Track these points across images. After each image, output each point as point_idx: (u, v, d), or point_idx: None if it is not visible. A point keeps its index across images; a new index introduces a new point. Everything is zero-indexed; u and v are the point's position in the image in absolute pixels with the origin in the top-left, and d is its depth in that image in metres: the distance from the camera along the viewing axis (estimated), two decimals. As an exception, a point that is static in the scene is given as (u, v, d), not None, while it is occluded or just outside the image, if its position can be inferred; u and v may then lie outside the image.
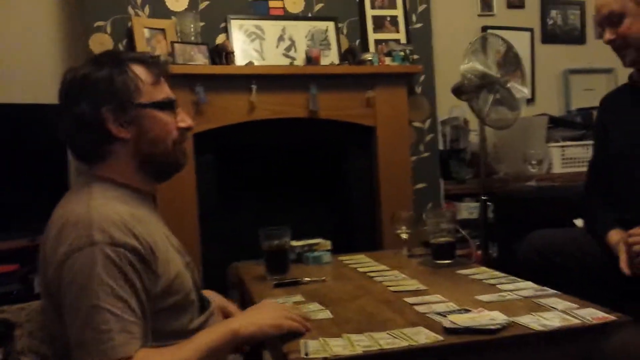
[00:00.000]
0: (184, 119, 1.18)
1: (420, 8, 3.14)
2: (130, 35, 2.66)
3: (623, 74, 1.86)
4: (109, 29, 2.66)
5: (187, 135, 1.21)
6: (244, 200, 2.84)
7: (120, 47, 2.66)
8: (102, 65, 1.12)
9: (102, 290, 0.96)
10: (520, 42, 3.37)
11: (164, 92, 1.16)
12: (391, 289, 1.47)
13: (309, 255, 1.82)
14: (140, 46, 2.59)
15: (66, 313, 0.99)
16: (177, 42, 2.66)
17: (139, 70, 1.13)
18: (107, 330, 0.95)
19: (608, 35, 1.69)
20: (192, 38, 2.70)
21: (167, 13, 2.75)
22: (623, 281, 1.60)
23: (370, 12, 3.04)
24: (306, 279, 1.60)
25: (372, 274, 1.64)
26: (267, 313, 1.12)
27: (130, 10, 2.70)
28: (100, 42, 2.63)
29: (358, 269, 1.73)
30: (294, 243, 1.82)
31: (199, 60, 2.62)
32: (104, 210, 1.02)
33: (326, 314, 1.27)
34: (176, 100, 1.18)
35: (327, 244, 1.87)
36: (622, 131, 1.74)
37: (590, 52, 3.66)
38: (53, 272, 1.00)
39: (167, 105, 1.15)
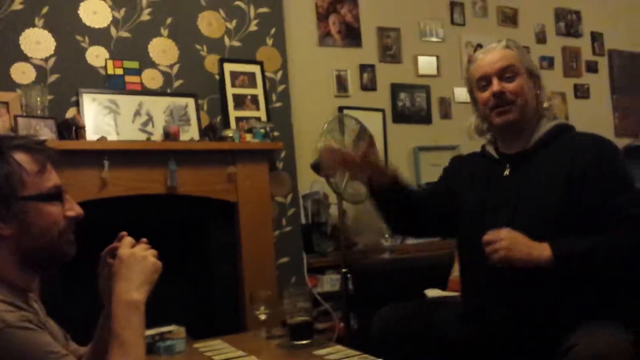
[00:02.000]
0: (72, 207, 1.12)
1: (280, 88, 3.26)
2: (-34, 108, 2.45)
3: (466, 150, 1.93)
4: (-60, 101, 2.43)
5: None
6: (92, 283, 2.62)
7: (-47, 119, 2.44)
8: None
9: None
10: (374, 121, 3.61)
11: (51, 180, 1.08)
12: (245, 378, 1.42)
13: (160, 344, 1.71)
14: (-23, 119, 2.39)
15: None
16: (22, 116, 2.48)
17: (22, 159, 1.04)
18: None
19: (498, 87, 1.67)
20: (39, 112, 2.54)
21: (12, 85, 2.57)
22: (470, 347, 1.68)
23: (230, 90, 3.09)
24: (154, 373, 1.49)
25: (226, 362, 1.58)
26: (138, 265, 1.17)
27: (-31, 82, 2.50)
28: None
29: (213, 357, 1.65)
30: (144, 331, 1.70)
31: (45, 135, 2.45)
32: None
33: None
34: (63, 188, 1.10)
35: (181, 331, 1.78)
36: (472, 198, 1.75)
37: (436, 131, 4.01)
38: None
39: (54, 196, 1.07)
